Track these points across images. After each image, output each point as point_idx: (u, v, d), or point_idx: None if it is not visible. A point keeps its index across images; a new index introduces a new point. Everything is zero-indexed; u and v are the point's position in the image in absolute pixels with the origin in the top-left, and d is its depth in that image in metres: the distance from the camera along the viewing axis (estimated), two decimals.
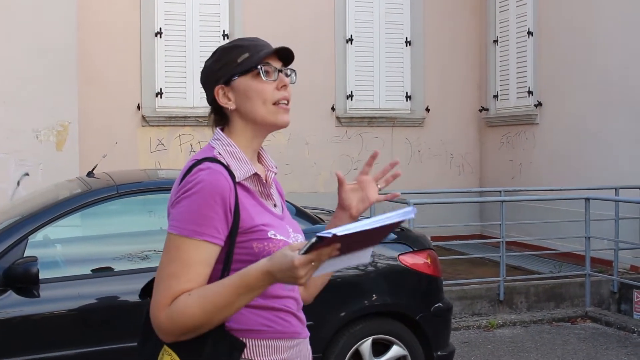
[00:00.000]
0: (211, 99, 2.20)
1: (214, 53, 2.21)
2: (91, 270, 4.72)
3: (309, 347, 2.25)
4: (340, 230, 1.78)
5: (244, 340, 2.06)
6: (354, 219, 2.34)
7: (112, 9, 10.66)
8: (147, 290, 2.16)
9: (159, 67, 10.89)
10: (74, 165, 8.55)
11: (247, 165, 2.14)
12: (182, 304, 1.96)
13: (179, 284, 1.98)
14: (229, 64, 2.15)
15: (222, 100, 2.16)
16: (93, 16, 10.38)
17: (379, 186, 2.43)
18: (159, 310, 1.99)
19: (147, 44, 10.85)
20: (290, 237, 2.17)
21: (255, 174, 2.17)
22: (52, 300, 4.52)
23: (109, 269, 4.78)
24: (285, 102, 2.18)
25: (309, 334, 2.25)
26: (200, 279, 2.00)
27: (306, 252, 1.82)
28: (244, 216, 2.06)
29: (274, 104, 2.16)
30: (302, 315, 2.23)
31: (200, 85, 2.27)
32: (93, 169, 5.48)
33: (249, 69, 2.14)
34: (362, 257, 2.00)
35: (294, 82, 2.24)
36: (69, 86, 8.73)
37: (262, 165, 2.26)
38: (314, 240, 1.80)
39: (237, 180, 2.08)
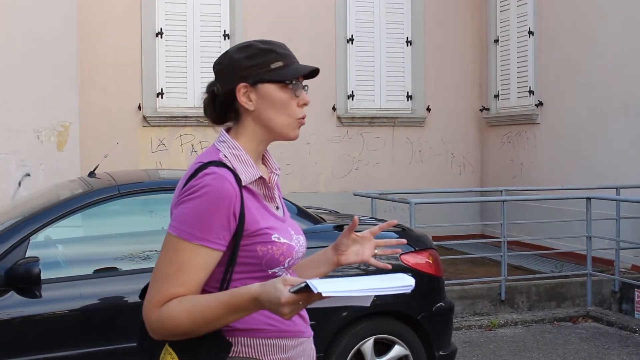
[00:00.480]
0: (226, 92, 2.15)
1: (247, 47, 2.16)
2: (93, 271, 4.73)
3: (312, 346, 2.26)
4: (328, 291, 1.76)
5: (247, 340, 2.07)
6: (337, 266, 2.37)
7: (113, 9, 10.66)
8: (146, 291, 2.16)
9: (160, 67, 10.89)
10: (75, 165, 8.55)
11: (253, 169, 2.13)
12: (172, 310, 1.97)
13: (173, 287, 1.99)
14: (262, 67, 2.12)
15: (242, 99, 2.13)
16: (93, 16, 10.38)
17: (377, 251, 2.43)
18: (150, 309, 2.01)
19: (147, 44, 10.84)
20: (293, 240, 2.17)
21: (261, 177, 2.17)
22: (54, 300, 4.51)
23: (111, 269, 4.79)
24: (301, 119, 2.19)
25: (312, 332, 2.25)
26: (195, 284, 2.01)
27: (295, 292, 1.82)
28: (249, 219, 2.06)
29: (297, 119, 2.18)
30: (306, 314, 2.24)
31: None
32: (94, 169, 5.47)
33: (280, 79, 2.13)
34: (363, 300, 1.97)
35: None
36: (69, 86, 8.72)
37: (266, 166, 2.26)
38: (302, 285, 1.80)
39: (243, 184, 2.07)
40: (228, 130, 2.20)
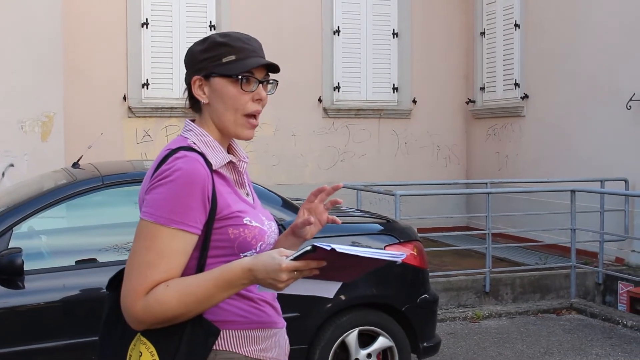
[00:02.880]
0: (187, 84, 2.19)
1: (204, 41, 2.19)
2: (76, 262, 4.71)
3: (286, 337, 2.26)
4: (339, 247, 1.81)
5: (221, 332, 2.06)
6: (303, 242, 2.32)
7: None
8: (113, 282, 2.14)
9: (145, 58, 10.84)
10: (60, 156, 8.51)
11: (222, 154, 2.14)
12: (160, 295, 1.94)
13: (156, 274, 1.96)
14: (213, 60, 2.13)
15: (196, 92, 2.16)
16: (78, 6, 10.32)
17: (327, 206, 2.42)
18: (134, 299, 1.96)
19: (133, 35, 10.79)
20: (265, 225, 2.17)
21: (230, 162, 2.18)
22: (37, 291, 4.50)
23: (94, 260, 4.77)
24: (254, 117, 2.17)
25: (285, 323, 2.25)
26: (177, 269, 1.99)
27: (296, 259, 1.84)
28: (221, 203, 2.06)
29: (245, 115, 2.15)
30: (278, 305, 2.23)
31: None
32: (78, 160, 5.45)
33: (229, 74, 2.12)
34: (328, 290, 2.04)
35: (272, 93, 2.23)
36: (53, 77, 8.67)
37: (234, 155, 2.25)
38: (308, 248, 1.82)
39: (213, 168, 2.07)
40: (194, 120, 2.21)
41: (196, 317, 2.00)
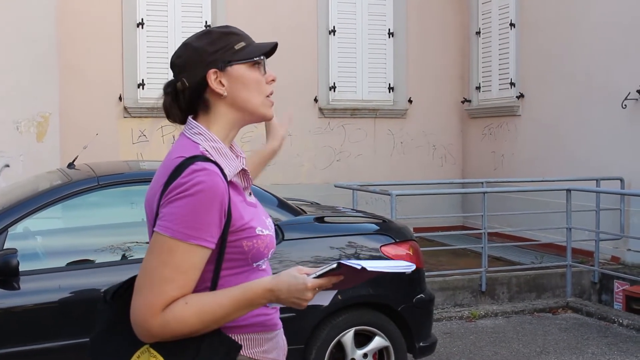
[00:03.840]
0: (195, 83, 2.11)
1: (206, 34, 2.14)
2: (70, 263, 4.70)
3: (284, 337, 2.27)
4: (369, 266, 1.85)
5: (232, 337, 2.05)
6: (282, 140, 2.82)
7: None
8: (116, 293, 2.10)
9: (141, 58, 10.83)
10: (55, 156, 8.50)
11: (235, 162, 2.10)
12: (179, 313, 1.92)
13: (173, 290, 1.93)
14: (227, 49, 2.10)
15: (214, 85, 2.08)
16: (74, 6, 10.31)
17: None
18: (151, 315, 1.92)
19: (128, 35, 10.78)
20: (268, 226, 2.15)
21: (242, 169, 2.14)
22: (33, 292, 4.49)
23: (89, 261, 4.76)
24: (269, 97, 2.19)
25: (282, 324, 2.25)
26: (192, 284, 1.96)
27: (319, 277, 1.87)
28: (235, 215, 2.02)
29: (267, 96, 2.16)
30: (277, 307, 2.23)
31: None
32: (74, 161, 5.44)
33: (248, 58, 2.11)
34: (323, 298, 2.07)
35: None
36: (49, 77, 8.66)
37: (233, 152, 2.20)
38: (334, 265, 1.85)
39: (228, 178, 2.03)
40: (195, 118, 2.15)
41: (215, 331, 1.99)
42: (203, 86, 2.10)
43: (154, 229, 1.98)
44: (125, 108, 10.72)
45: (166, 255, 1.93)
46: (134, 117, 10.78)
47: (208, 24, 11.03)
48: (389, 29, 12.11)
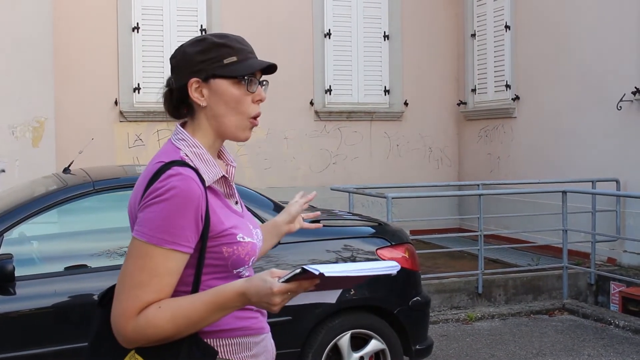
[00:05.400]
0: (180, 87, 2.11)
1: (200, 41, 2.12)
2: (66, 268, 4.70)
3: (272, 341, 2.27)
4: (328, 271, 1.79)
5: (215, 341, 2.05)
6: (283, 235, 2.63)
7: (89, 3, 10.59)
8: (104, 299, 2.10)
9: (137, 62, 10.84)
10: (51, 161, 8.50)
11: (215, 168, 2.10)
12: (152, 317, 1.92)
13: (147, 294, 1.93)
14: (215, 62, 2.08)
15: (194, 94, 2.09)
16: (69, 11, 10.32)
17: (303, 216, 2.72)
18: (125, 320, 1.93)
19: (124, 39, 10.79)
20: (254, 236, 2.15)
21: (222, 176, 2.14)
22: (29, 297, 4.48)
23: (85, 266, 4.76)
24: (255, 118, 2.15)
25: (269, 328, 2.26)
26: (168, 290, 1.96)
27: (287, 281, 1.84)
28: (214, 220, 2.02)
29: (250, 117, 2.13)
30: (264, 310, 2.23)
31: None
32: (69, 165, 5.44)
33: (233, 75, 2.08)
34: (329, 295, 2.06)
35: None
36: (45, 82, 8.67)
37: (222, 160, 2.22)
38: (298, 271, 1.81)
39: (206, 184, 2.03)
40: (184, 125, 2.16)
41: (192, 336, 1.98)
42: (186, 92, 2.11)
43: (132, 234, 1.99)
44: (121, 112, 10.72)
45: (142, 260, 1.94)
46: (130, 121, 10.78)
47: (203, 27, 11.04)
48: (385, 32, 12.12)
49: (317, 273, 1.78)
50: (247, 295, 1.88)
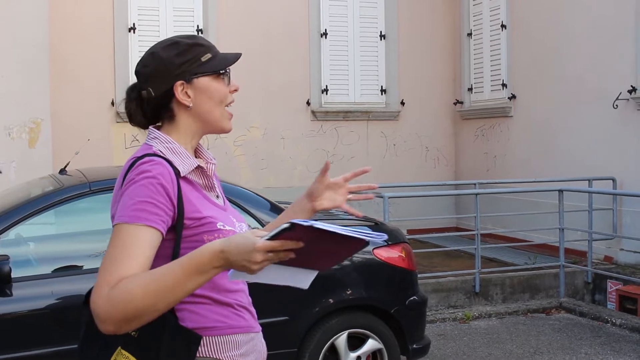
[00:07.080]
0: (161, 93, 2.15)
1: (173, 45, 2.16)
2: (64, 269, 4.69)
3: (263, 341, 2.27)
4: (318, 224, 1.73)
5: (203, 339, 2.05)
6: (312, 212, 2.41)
7: (85, 3, 10.58)
8: (89, 296, 2.07)
9: (133, 62, 10.81)
10: (47, 162, 8.49)
11: (189, 159, 2.14)
12: (124, 284, 1.86)
13: (121, 269, 1.90)
14: (193, 62, 2.14)
15: (181, 97, 2.14)
16: (65, 11, 10.31)
17: (350, 197, 2.47)
18: (98, 296, 1.88)
19: (120, 40, 10.78)
20: (236, 227, 2.17)
21: (198, 167, 2.17)
22: (25, 299, 4.48)
23: (81, 267, 4.76)
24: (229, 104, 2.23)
25: (260, 328, 2.26)
26: (142, 264, 1.92)
27: (272, 238, 1.77)
28: (189, 209, 2.04)
29: (226, 105, 2.21)
30: (254, 310, 2.24)
31: None
32: (65, 166, 5.43)
33: (214, 70, 2.16)
34: (303, 280, 1.96)
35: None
36: (41, 82, 8.66)
37: (201, 158, 2.25)
38: (286, 225, 1.74)
39: (181, 174, 2.07)
40: (159, 128, 2.20)
41: (174, 326, 1.97)
42: (169, 97, 2.15)
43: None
44: (117, 113, 10.70)
45: (115, 239, 1.96)
46: (127, 122, 10.67)
47: (200, 28, 11.03)
48: (381, 32, 12.13)
49: (306, 224, 1.72)
50: (226, 253, 1.82)
